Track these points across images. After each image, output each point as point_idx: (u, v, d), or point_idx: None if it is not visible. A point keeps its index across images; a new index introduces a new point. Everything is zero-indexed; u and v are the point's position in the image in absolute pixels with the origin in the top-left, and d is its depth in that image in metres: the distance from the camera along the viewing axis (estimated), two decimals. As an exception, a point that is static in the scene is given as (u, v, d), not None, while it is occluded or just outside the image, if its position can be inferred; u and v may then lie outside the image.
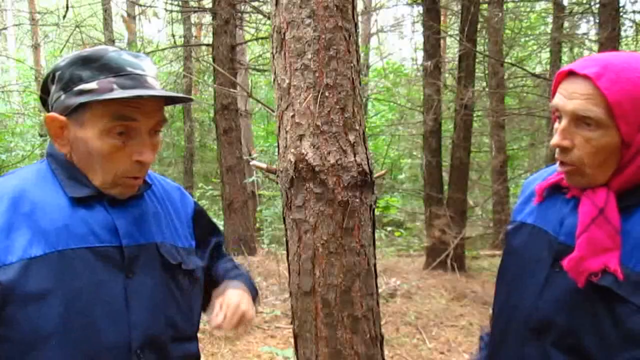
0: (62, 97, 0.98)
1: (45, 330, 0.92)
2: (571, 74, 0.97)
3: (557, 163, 1.03)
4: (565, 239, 1.02)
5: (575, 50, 10.04)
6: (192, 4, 9.21)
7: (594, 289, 0.95)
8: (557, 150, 1.00)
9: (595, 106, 0.92)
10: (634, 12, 7.33)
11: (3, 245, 0.92)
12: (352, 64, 1.39)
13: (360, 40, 1.57)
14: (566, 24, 8.82)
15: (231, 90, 6.63)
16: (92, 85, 0.95)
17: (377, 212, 2.36)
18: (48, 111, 1.03)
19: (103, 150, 0.97)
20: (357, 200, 1.38)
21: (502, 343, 1.14)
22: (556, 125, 1.00)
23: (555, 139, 0.98)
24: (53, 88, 1.01)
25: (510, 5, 8.70)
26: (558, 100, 0.98)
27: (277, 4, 1.41)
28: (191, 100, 1.11)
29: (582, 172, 0.98)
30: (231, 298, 1.10)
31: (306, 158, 1.35)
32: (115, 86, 0.95)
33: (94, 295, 0.95)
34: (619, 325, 0.91)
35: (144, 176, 1.05)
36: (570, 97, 0.95)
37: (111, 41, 9.77)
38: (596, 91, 0.92)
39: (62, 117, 0.98)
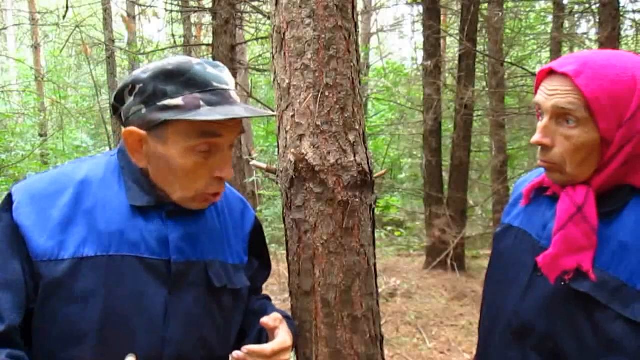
0: (143, 110, 0.95)
1: (82, 330, 0.91)
2: (551, 72, 0.98)
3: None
4: (546, 244, 1.01)
5: (575, 49, 10.03)
6: (192, 4, 9.20)
7: (573, 295, 0.94)
8: (539, 148, 1.00)
9: (575, 102, 0.93)
10: (634, 11, 7.32)
11: (58, 240, 0.91)
12: (352, 64, 1.39)
13: (360, 40, 1.57)
14: (566, 24, 8.82)
15: (231, 90, 6.62)
16: (178, 101, 0.92)
17: (377, 212, 2.35)
18: (120, 119, 1.00)
19: (186, 167, 0.94)
20: (357, 200, 1.38)
21: (487, 345, 1.14)
22: (539, 123, 1.00)
23: (536, 137, 0.99)
24: (130, 100, 0.97)
25: (510, 5, 8.69)
26: (539, 97, 0.99)
27: (277, 4, 1.41)
28: (274, 115, 1.08)
29: (562, 170, 0.98)
30: (286, 339, 1.08)
31: (306, 158, 1.35)
32: (202, 102, 0.92)
33: (135, 305, 0.94)
34: (598, 332, 0.90)
35: (223, 190, 1.03)
36: (551, 93, 0.96)
37: (111, 41, 9.76)
38: (574, 88, 0.92)
39: (142, 131, 0.95)
